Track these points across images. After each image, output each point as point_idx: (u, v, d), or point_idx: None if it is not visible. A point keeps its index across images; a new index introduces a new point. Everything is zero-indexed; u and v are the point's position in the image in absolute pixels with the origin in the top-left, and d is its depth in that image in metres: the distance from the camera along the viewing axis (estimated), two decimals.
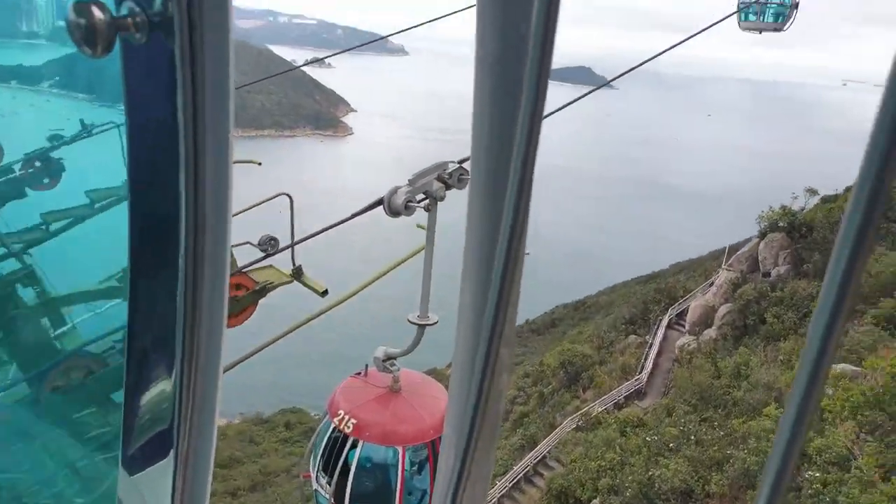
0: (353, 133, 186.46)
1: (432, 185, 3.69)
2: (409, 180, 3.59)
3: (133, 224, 1.18)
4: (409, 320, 4.22)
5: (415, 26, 11.38)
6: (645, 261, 79.14)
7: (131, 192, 1.16)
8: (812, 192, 38.96)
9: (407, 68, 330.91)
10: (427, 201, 3.78)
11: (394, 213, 3.51)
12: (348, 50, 18.82)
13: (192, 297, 1.08)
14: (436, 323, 4.24)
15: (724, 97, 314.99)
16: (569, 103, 7.08)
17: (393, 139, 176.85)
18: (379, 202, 3.67)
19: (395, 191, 3.53)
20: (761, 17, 21.85)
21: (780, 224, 34.20)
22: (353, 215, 4.69)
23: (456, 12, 9.44)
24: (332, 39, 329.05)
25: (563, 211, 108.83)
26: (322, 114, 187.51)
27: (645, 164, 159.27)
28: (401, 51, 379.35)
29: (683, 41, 9.05)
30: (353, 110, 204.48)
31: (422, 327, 4.31)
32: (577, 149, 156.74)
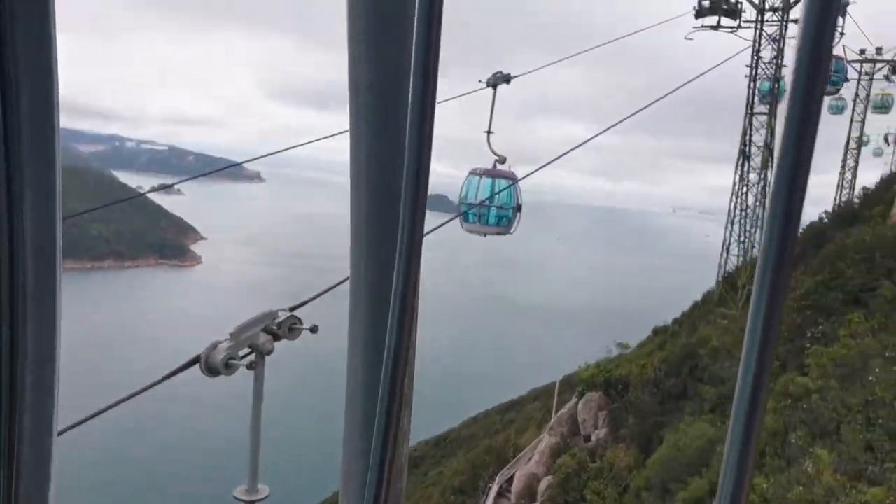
0: (201, 262, 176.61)
1: (258, 337, 3.29)
2: (230, 334, 3.18)
3: None
4: (235, 497, 3.31)
5: (269, 154, 11.14)
6: (510, 383, 79.08)
7: None
8: (623, 346, 39.52)
9: (263, 194, 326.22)
10: (252, 356, 3.28)
11: (212, 372, 3.09)
12: (198, 176, 15.05)
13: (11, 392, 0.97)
14: (267, 497, 3.37)
15: (573, 221, 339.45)
16: (434, 228, 6.65)
17: (246, 266, 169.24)
18: (195, 360, 3.17)
19: (214, 346, 3.11)
20: (483, 221, 21.35)
21: (597, 381, 32.73)
22: (165, 378, 3.73)
23: (314, 141, 9.68)
24: (184, 166, 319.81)
25: (429, 335, 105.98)
26: (168, 242, 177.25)
27: (505, 286, 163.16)
28: (257, 177, 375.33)
29: (533, 172, 8.80)
30: (202, 238, 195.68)
31: None
32: (437, 274, 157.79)
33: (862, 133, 53.25)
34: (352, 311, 1.03)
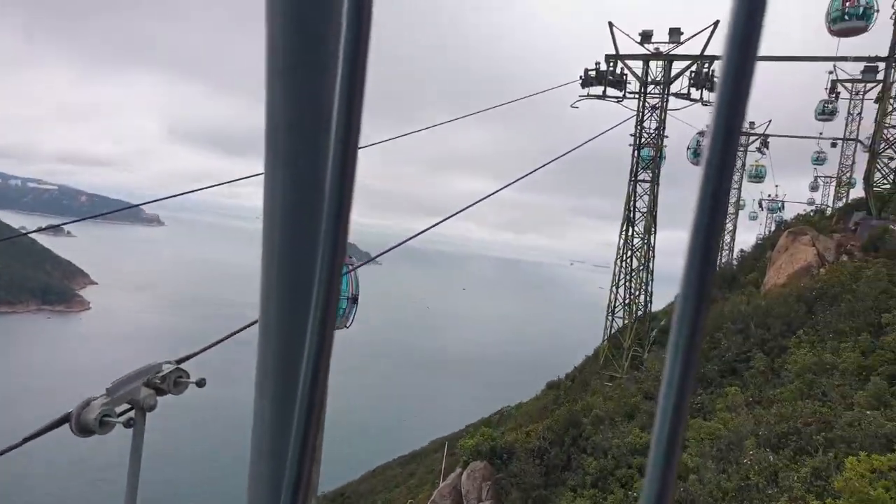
0: (89, 308, 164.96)
1: (139, 392, 3.08)
2: (107, 389, 2.96)
3: None
4: None
5: (169, 196, 10.74)
6: (412, 434, 78.69)
7: None
8: (518, 406, 39.78)
9: (162, 238, 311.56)
10: (131, 413, 3.04)
11: (84, 432, 2.84)
12: (90, 217, 14.67)
13: None
14: None
15: (478, 272, 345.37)
16: (346, 272, 6.68)
17: (140, 314, 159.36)
18: (65, 419, 2.88)
19: (86, 404, 2.88)
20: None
21: (482, 450, 31.78)
22: (27, 439, 3.27)
23: (220, 184, 9.90)
24: (75, 206, 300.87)
25: (333, 383, 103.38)
26: (53, 287, 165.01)
27: (412, 334, 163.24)
28: (156, 220, 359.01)
29: (439, 223, 9.39)
30: (93, 283, 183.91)
31: None
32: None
33: (739, 199, 58.78)
34: (260, 361, 1.01)
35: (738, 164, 55.09)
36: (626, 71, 31.79)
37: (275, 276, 0.97)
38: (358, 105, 0.67)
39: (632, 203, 33.47)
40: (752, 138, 54.17)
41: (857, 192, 59.26)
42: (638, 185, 33.24)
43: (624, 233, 34.05)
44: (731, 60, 0.54)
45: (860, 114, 54.21)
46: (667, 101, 31.36)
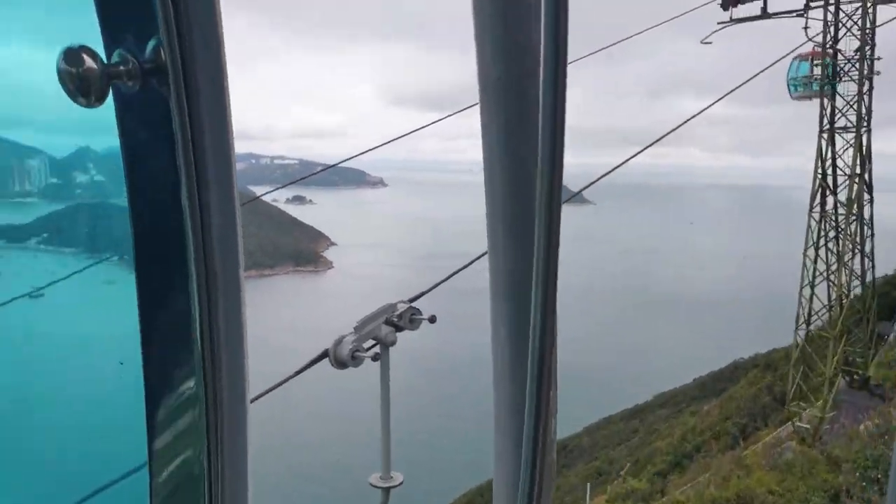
0: (332, 267, 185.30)
1: (381, 329, 3.38)
2: (354, 328, 3.29)
3: (141, 279, 1.16)
4: (370, 483, 3.57)
5: (383, 144, 11.32)
6: (638, 382, 77.60)
7: (136, 243, 1.15)
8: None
9: (387, 199, 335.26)
10: (377, 348, 3.40)
11: (340, 365, 3.22)
12: (295, 182, 15.37)
13: (210, 365, 1.11)
14: (401, 484, 3.60)
15: (709, 203, 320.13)
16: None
17: (375, 269, 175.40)
18: (324, 355, 3.37)
19: (340, 341, 3.22)
20: None
21: None
22: (297, 372, 4.15)
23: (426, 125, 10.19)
24: (314, 177, 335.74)
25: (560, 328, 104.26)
26: (302, 251, 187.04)
27: (636, 276, 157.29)
28: (380, 182, 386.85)
29: (650, 145, 8.54)
30: (333, 244, 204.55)
31: (386, 491, 3.63)
32: (567, 266, 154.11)
33: None
34: (493, 300, 1.06)
35: None
36: None
37: (499, 216, 1.06)
38: (563, 54, 0.68)
39: (828, 165, 23.01)
40: None
41: None
42: (837, 137, 22.77)
43: (818, 208, 23.50)
44: None
45: None
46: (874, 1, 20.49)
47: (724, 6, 22.62)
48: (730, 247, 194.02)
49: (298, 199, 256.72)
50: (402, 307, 3.49)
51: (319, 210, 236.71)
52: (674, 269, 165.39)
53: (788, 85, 22.62)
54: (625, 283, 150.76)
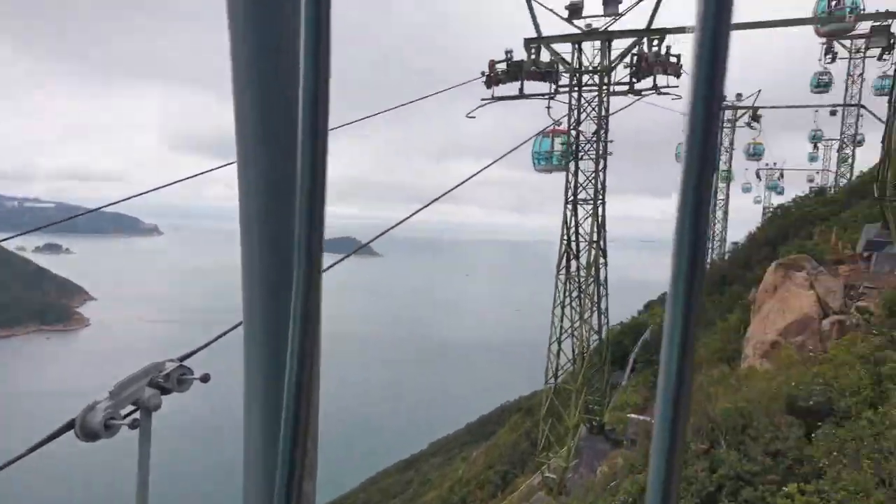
0: (89, 324, 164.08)
1: (143, 392, 3.09)
2: (110, 392, 2.97)
3: None
4: None
5: (155, 189, 10.40)
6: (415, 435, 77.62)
7: None
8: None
9: (161, 247, 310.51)
10: (137, 414, 3.06)
11: (90, 436, 2.86)
12: (42, 229, 12.89)
13: None
14: None
15: (483, 257, 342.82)
16: (333, 264, 6.56)
17: (140, 325, 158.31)
18: (69, 425, 2.92)
19: (91, 408, 2.90)
20: None
21: None
22: (36, 447, 3.34)
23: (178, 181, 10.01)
24: (75, 223, 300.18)
25: (345, 379, 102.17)
26: (51, 306, 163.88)
27: (419, 324, 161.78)
28: (155, 230, 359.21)
29: (421, 209, 9.21)
30: (91, 298, 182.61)
31: None
32: (352, 315, 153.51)
33: (730, 171, 54.98)
34: (247, 364, 0.99)
35: (726, 141, 51.32)
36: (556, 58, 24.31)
37: (256, 276, 0.98)
38: (324, 96, 0.66)
39: (572, 232, 25.53)
40: (739, 111, 50.14)
41: (864, 153, 54.71)
42: (579, 207, 25.41)
43: (564, 270, 25.80)
44: (707, 27, 0.50)
45: (861, 75, 49.89)
46: (608, 93, 24.00)
47: (487, 84, 24.61)
48: (502, 296, 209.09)
49: (52, 248, 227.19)
50: (170, 366, 3.22)
51: (78, 260, 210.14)
52: (452, 318, 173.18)
53: (532, 158, 24.12)
54: (409, 331, 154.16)
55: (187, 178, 10.48)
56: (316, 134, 0.66)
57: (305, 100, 0.65)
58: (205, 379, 3.27)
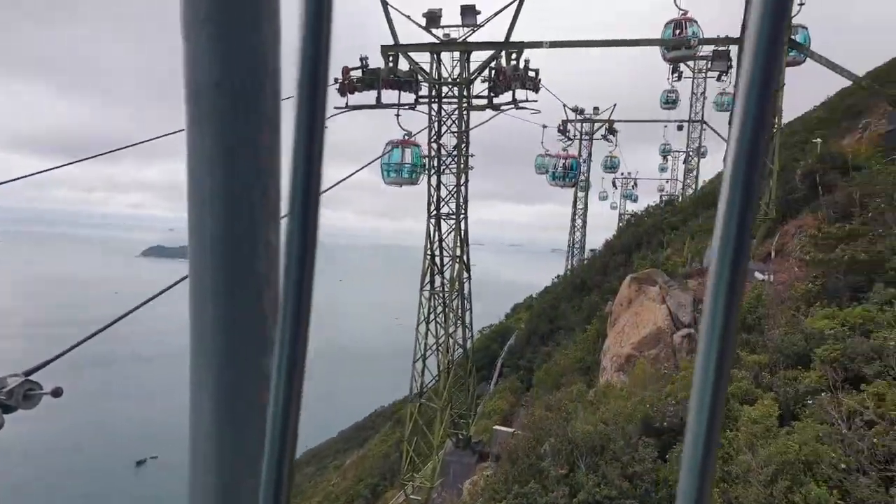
0: None
1: None
2: None
3: None
4: None
5: None
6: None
7: None
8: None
9: None
10: None
11: None
12: None
13: None
14: None
15: (355, 261, 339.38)
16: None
17: None
18: None
19: None
20: None
21: None
22: None
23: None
24: None
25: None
26: None
27: None
28: None
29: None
30: None
31: None
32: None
33: (588, 181, 57.64)
34: (193, 349, 0.89)
35: (584, 152, 53.73)
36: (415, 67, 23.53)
37: (208, 260, 0.86)
38: (325, 55, 0.56)
39: (436, 247, 24.85)
40: (596, 124, 52.86)
41: (706, 164, 60.02)
42: (442, 221, 24.70)
43: (429, 285, 25.19)
44: (762, 40, 0.48)
45: (703, 93, 54.98)
46: (468, 106, 23.36)
47: (341, 92, 23.11)
48: (377, 300, 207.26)
49: None
50: (12, 382, 3.06)
51: None
52: (329, 324, 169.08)
53: (382, 170, 22.89)
54: None
55: (19, 178, 9.89)
56: (314, 115, 0.56)
57: (303, 74, 0.55)
58: (56, 393, 3.06)
